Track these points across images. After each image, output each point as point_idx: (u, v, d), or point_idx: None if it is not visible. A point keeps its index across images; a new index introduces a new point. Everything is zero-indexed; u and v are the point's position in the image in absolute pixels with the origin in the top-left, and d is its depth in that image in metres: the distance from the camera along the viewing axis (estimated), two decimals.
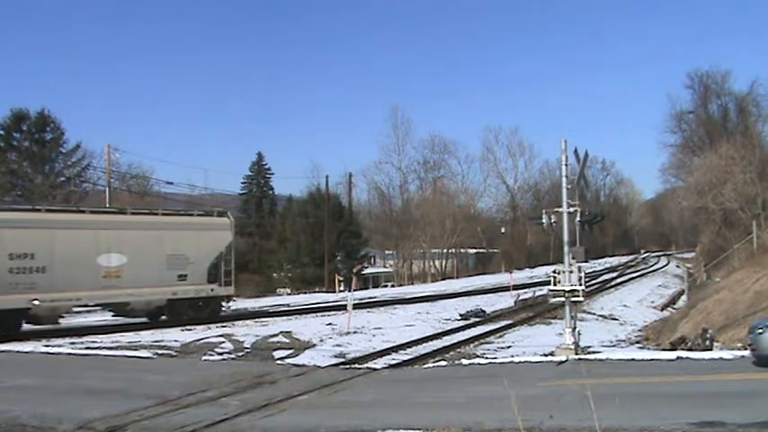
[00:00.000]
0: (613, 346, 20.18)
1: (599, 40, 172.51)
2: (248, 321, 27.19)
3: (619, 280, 52.55)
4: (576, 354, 15.79)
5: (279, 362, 17.09)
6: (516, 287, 39.24)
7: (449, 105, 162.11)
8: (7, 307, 21.36)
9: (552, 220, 17.17)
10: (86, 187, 52.34)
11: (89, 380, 13.28)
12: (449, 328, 24.40)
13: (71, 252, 22.86)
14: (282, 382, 12.84)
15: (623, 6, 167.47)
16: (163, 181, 72.59)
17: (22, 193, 47.23)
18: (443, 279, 69.50)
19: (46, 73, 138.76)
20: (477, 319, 27.08)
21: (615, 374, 12.30)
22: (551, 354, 16.35)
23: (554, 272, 17.20)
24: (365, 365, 16.29)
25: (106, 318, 27.23)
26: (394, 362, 17.00)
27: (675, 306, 35.34)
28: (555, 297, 17.20)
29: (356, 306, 28.17)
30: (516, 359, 15.54)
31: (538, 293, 33.51)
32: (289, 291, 58.95)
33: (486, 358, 17.15)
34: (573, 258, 16.84)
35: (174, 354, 18.29)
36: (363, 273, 64.65)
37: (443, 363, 16.97)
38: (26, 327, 22.69)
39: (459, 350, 19.37)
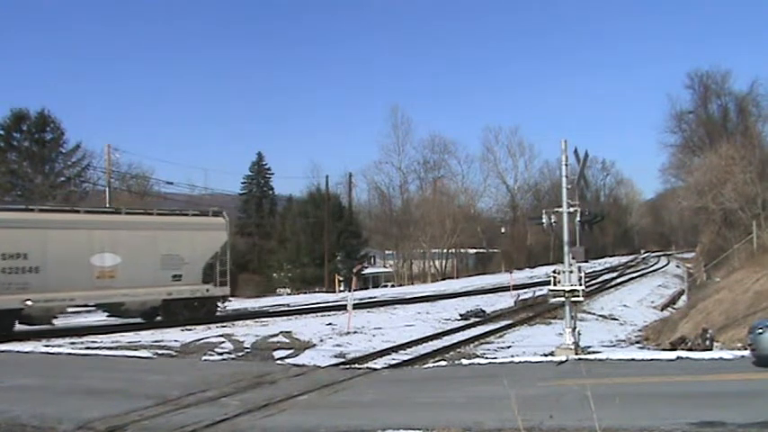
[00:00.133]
0: (613, 346, 20.18)
1: (599, 40, 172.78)
2: (248, 321, 27.16)
3: (619, 280, 52.55)
4: (576, 354, 15.79)
5: (279, 362, 17.09)
6: (516, 287, 39.24)
7: (449, 105, 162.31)
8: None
9: (552, 220, 17.17)
10: (86, 187, 52.35)
11: (89, 380, 13.28)
12: (449, 328, 24.39)
13: (65, 252, 22.71)
14: (282, 382, 12.84)
15: (623, 6, 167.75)
16: (163, 181, 72.69)
17: (22, 193, 47.22)
18: (443, 279, 69.50)
19: (46, 73, 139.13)
20: (477, 319, 27.08)
21: (615, 374, 12.30)
22: (551, 354, 16.35)
23: (554, 272, 17.20)
24: (365, 365, 16.28)
25: (106, 318, 27.19)
26: (394, 362, 17.00)
27: (675, 306, 35.34)
28: (555, 297, 17.20)
29: (356, 306, 28.17)
30: (516, 359, 15.54)
31: (538, 293, 33.51)
32: (289, 291, 58.96)
33: (486, 358, 17.14)
34: (573, 258, 16.84)
35: (174, 354, 18.29)
36: (363, 273, 64.65)
37: (443, 363, 16.96)
38: (27, 327, 22.69)
39: (459, 350, 19.37)
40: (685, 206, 52.02)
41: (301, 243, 64.35)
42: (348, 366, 16.00)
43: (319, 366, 15.71)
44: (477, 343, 20.85)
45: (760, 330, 12.16)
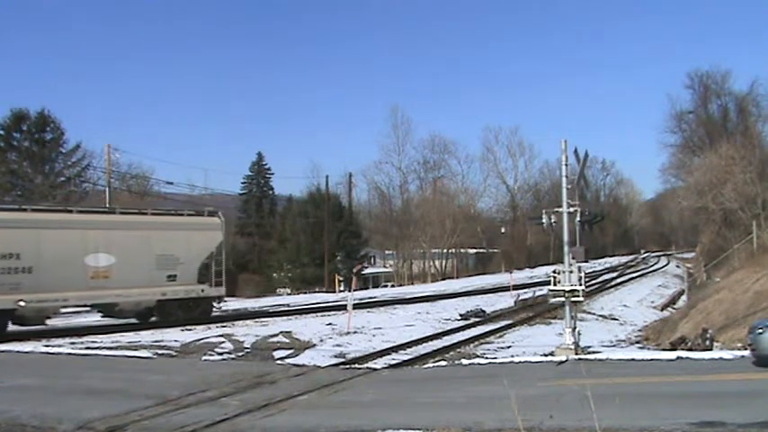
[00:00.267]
0: (613, 346, 20.18)
1: (599, 40, 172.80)
2: (248, 321, 27.15)
3: (619, 280, 52.55)
4: (576, 354, 15.79)
5: (279, 362, 17.08)
6: (516, 287, 39.24)
7: (449, 105, 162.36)
8: None
9: (552, 220, 17.17)
10: (86, 187, 52.34)
11: (89, 380, 13.27)
12: (449, 328, 24.39)
13: (58, 252, 22.54)
14: (282, 382, 12.84)
15: (623, 6, 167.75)
16: (163, 181, 72.80)
17: (22, 193, 47.23)
18: (443, 279, 69.51)
19: (46, 73, 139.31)
20: (477, 319, 27.07)
21: (615, 374, 12.30)
22: (551, 354, 16.35)
23: (554, 272, 17.20)
24: (365, 365, 16.28)
25: (101, 318, 27.08)
26: (394, 362, 16.99)
27: (675, 306, 35.34)
28: (555, 297, 17.20)
29: (356, 306, 28.17)
30: (516, 359, 15.53)
31: (538, 293, 33.51)
32: (289, 291, 58.99)
33: (486, 358, 17.14)
34: (573, 258, 16.84)
35: (174, 354, 18.29)
36: (363, 273, 64.66)
37: (443, 363, 16.96)
38: (28, 327, 22.69)
39: (459, 350, 19.36)
40: (685, 206, 52.02)
41: (301, 243, 64.36)
42: (348, 366, 16.00)
43: (319, 366, 15.71)
44: (477, 343, 20.85)
45: (760, 330, 12.16)
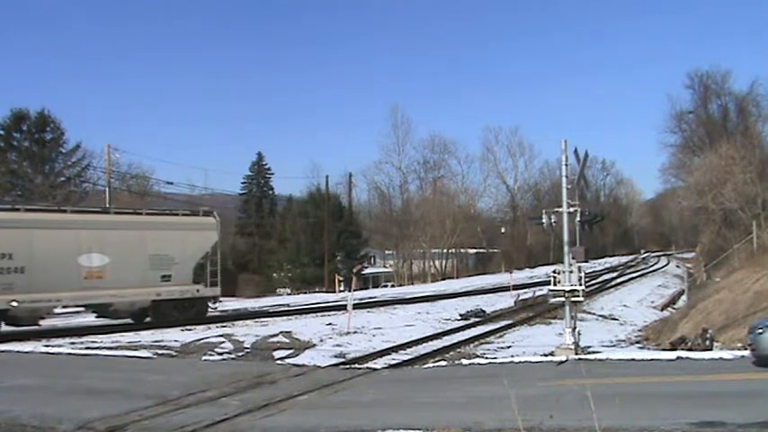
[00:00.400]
0: (613, 346, 20.18)
1: (599, 40, 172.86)
2: (248, 321, 27.15)
3: (619, 280, 52.55)
4: (576, 354, 15.79)
5: (279, 362, 17.08)
6: (516, 287, 39.24)
7: (449, 105, 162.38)
8: None
9: (552, 220, 17.17)
10: (86, 187, 52.37)
11: (89, 380, 13.27)
12: (449, 328, 24.39)
13: (51, 252, 22.39)
14: (282, 382, 12.84)
15: (623, 6, 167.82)
16: (163, 181, 72.82)
17: (22, 193, 47.25)
18: (443, 279, 69.51)
19: (46, 73, 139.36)
20: (477, 319, 27.07)
21: (615, 374, 12.30)
22: (551, 354, 16.35)
23: (554, 272, 17.20)
24: (365, 365, 16.28)
25: (101, 318, 26.99)
26: (394, 362, 16.99)
27: (675, 306, 35.34)
28: (555, 297, 17.20)
29: (356, 306, 28.16)
30: (516, 359, 15.53)
31: (538, 293, 33.51)
32: (289, 291, 58.99)
33: (486, 358, 17.14)
34: (573, 258, 16.83)
35: (174, 354, 18.29)
36: (363, 273, 64.66)
37: (443, 363, 16.96)
38: (27, 327, 22.68)
39: (459, 350, 19.36)
40: (685, 206, 52.02)
41: (301, 243, 64.36)
42: (348, 366, 16.00)
43: (319, 366, 15.71)
44: (477, 343, 20.85)
45: (760, 330, 12.16)
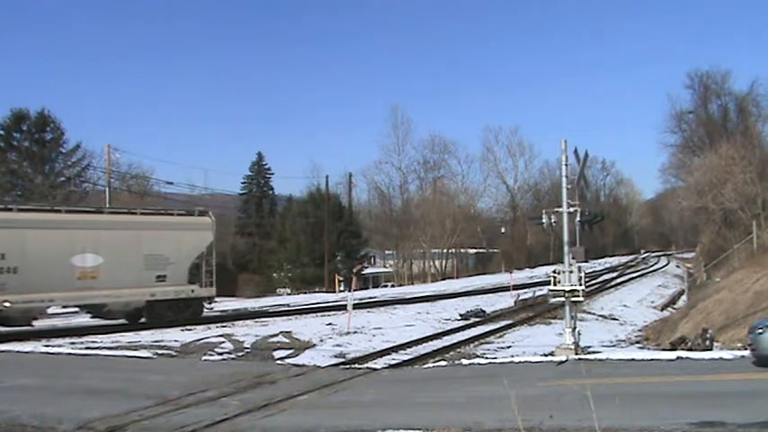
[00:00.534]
0: (613, 346, 20.18)
1: (599, 40, 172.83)
2: (248, 321, 27.15)
3: (619, 280, 52.55)
4: (576, 354, 15.79)
5: (279, 362, 17.09)
6: (516, 287, 39.24)
7: (449, 105, 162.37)
8: None
9: (552, 220, 17.17)
10: (86, 187, 52.41)
11: (89, 380, 13.27)
12: (449, 328, 24.39)
13: (44, 252, 22.25)
14: (282, 382, 12.84)
15: (623, 6, 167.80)
16: (163, 181, 72.77)
17: (22, 193, 47.27)
18: (443, 279, 69.51)
19: (46, 73, 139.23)
20: (477, 319, 27.07)
21: (615, 374, 12.30)
22: (551, 354, 16.35)
23: (554, 272, 17.20)
24: (365, 365, 16.28)
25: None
26: (394, 362, 17.00)
27: (675, 306, 35.35)
28: (555, 297, 17.20)
29: (356, 306, 28.16)
30: (516, 359, 15.53)
31: (538, 293, 33.51)
32: (289, 291, 59.01)
33: (486, 358, 17.14)
34: (573, 258, 16.83)
35: (174, 354, 18.29)
36: (363, 273, 64.66)
37: (443, 363, 16.96)
38: (28, 327, 22.69)
39: (459, 350, 19.37)
40: (685, 206, 52.01)
41: (301, 243, 64.37)
42: (348, 366, 16.00)
43: (319, 366, 15.71)
44: (477, 343, 20.85)
45: (760, 330, 12.16)
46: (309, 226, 63.95)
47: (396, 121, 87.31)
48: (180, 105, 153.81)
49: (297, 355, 18.06)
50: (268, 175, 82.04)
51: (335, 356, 17.88)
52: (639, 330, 24.77)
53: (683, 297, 36.91)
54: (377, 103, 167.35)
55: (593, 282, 44.99)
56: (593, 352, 16.83)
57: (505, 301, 34.48)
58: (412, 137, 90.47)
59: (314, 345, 20.12)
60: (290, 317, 29.08)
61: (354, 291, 36.35)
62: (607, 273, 63.54)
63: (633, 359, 14.76)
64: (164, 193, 59.51)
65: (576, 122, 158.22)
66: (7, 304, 21.41)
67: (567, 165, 17.21)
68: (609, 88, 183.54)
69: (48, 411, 9.78)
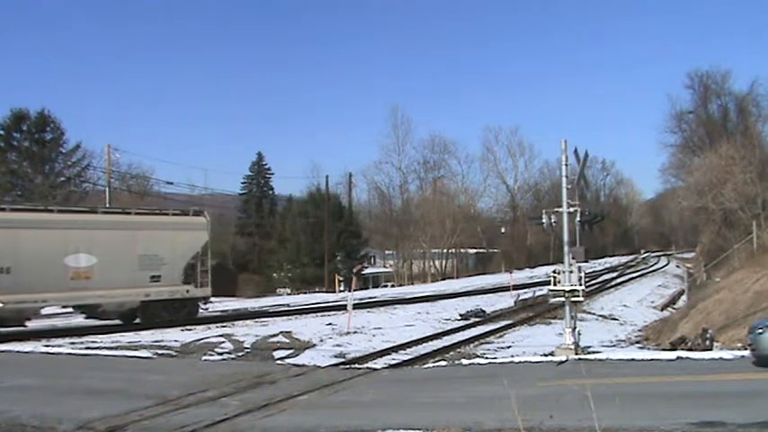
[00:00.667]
0: (613, 346, 20.18)
1: (599, 40, 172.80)
2: (248, 321, 27.14)
3: (619, 280, 52.55)
4: (576, 354, 15.79)
5: (279, 362, 17.09)
6: (516, 287, 39.24)
7: (449, 105, 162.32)
8: None
9: (552, 220, 17.17)
10: (86, 187, 52.42)
11: (89, 380, 13.27)
12: (449, 328, 24.39)
13: (37, 252, 22.12)
14: (282, 382, 12.84)
15: (623, 6, 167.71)
16: (163, 181, 72.82)
17: (22, 193, 47.27)
18: (443, 279, 69.51)
19: (46, 73, 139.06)
20: (477, 319, 27.08)
21: (615, 374, 12.30)
22: (551, 354, 16.35)
23: (554, 272, 17.20)
24: (365, 365, 16.29)
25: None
26: (394, 362, 17.00)
27: (675, 306, 35.35)
28: (555, 297, 17.20)
29: (356, 306, 28.16)
30: (516, 359, 15.53)
31: (538, 293, 33.52)
32: (289, 291, 59.02)
33: (486, 358, 17.14)
34: (573, 258, 16.84)
35: (174, 354, 18.29)
36: (363, 273, 64.67)
37: (443, 363, 16.96)
38: (28, 327, 22.67)
39: (459, 350, 19.37)
40: (685, 206, 52.01)
41: (301, 243, 64.37)
42: (348, 366, 16.00)
43: (319, 366, 15.72)
44: (477, 343, 20.85)
45: (760, 330, 12.16)
46: (309, 226, 63.96)
47: (396, 121, 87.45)
48: (180, 105, 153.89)
49: (297, 355, 18.06)
50: (268, 175, 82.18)
51: (335, 356, 17.88)
52: (639, 330, 24.77)
53: (683, 297, 36.91)
54: (377, 103, 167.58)
55: (593, 282, 44.99)
56: (593, 352, 16.83)
57: (505, 301, 34.48)
58: (412, 137, 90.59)
59: (314, 345, 20.12)
60: (290, 317, 29.09)
61: (354, 291, 36.35)
62: (607, 273, 63.54)
63: (633, 359, 14.76)
64: (164, 193, 59.59)
65: (576, 122, 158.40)
66: (0, 305, 21.27)
67: (567, 165, 17.22)
68: (609, 88, 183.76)
69: (48, 411, 9.78)
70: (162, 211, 29.76)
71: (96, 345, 19.67)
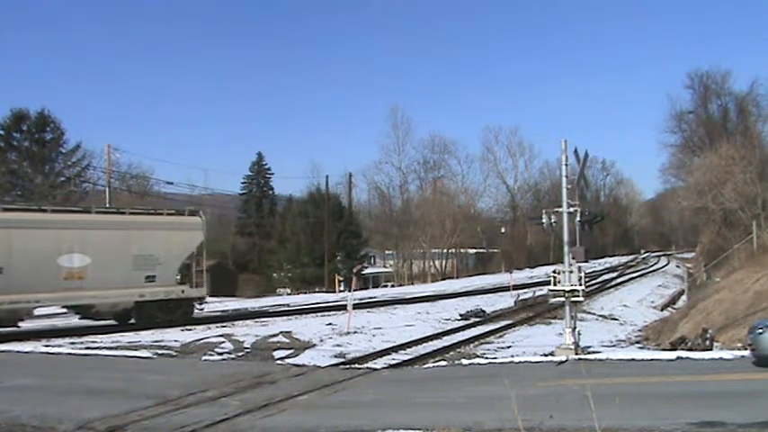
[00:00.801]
0: (613, 346, 20.18)
1: (599, 40, 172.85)
2: (248, 321, 27.14)
3: (619, 280, 52.55)
4: (576, 354, 15.79)
5: (279, 362, 17.09)
6: (516, 287, 39.25)
7: (449, 105, 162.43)
8: None
9: (552, 220, 17.17)
10: (86, 187, 52.45)
11: (89, 380, 13.26)
12: (449, 328, 24.39)
13: (30, 252, 22.02)
14: (282, 382, 12.84)
15: (623, 6, 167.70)
16: (163, 181, 72.81)
17: (22, 193, 47.28)
18: (443, 279, 69.51)
19: (46, 73, 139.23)
20: (477, 319, 27.07)
21: (615, 374, 12.29)
22: (551, 354, 16.35)
23: (554, 272, 17.19)
24: (365, 365, 16.28)
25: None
26: (394, 362, 17.00)
27: (675, 306, 35.35)
28: (555, 297, 17.19)
29: (356, 306, 28.16)
30: (516, 359, 15.52)
31: (538, 293, 33.51)
32: (289, 291, 59.03)
33: (486, 358, 17.14)
34: (573, 258, 16.83)
35: (174, 354, 18.29)
36: (363, 273, 64.68)
37: (443, 363, 16.96)
38: (28, 327, 22.67)
39: (459, 350, 19.36)
40: (685, 206, 52.02)
41: (301, 243, 64.39)
42: (348, 366, 16.00)
43: (319, 366, 15.71)
44: (477, 343, 20.85)
45: (760, 330, 12.15)
46: (309, 226, 63.97)
47: (396, 121, 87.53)
48: (180, 105, 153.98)
49: (297, 355, 18.06)
50: (268, 175, 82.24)
51: (335, 356, 17.88)
52: (639, 330, 24.77)
53: (683, 297, 36.92)
54: (377, 103, 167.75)
55: (593, 282, 44.99)
56: (594, 352, 16.83)
57: (505, 301, 34.47)
58: (412, 137, 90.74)
59: (314, 345, 20.12)
60: (290, 317, 29.08)
61: (354, 291, 36.36)
62: (607, 273, 63.55)
63: (633, 359, 14.75)
64: (164, 193, 59.62)
65: (576, 122, 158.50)
66: None
67: (567, 165, 17.21)
68: (609, 88, 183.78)
69: (48, 411, 9.78)
70: (157, 210, 29.53)
71: (96, 345, 19.67)
